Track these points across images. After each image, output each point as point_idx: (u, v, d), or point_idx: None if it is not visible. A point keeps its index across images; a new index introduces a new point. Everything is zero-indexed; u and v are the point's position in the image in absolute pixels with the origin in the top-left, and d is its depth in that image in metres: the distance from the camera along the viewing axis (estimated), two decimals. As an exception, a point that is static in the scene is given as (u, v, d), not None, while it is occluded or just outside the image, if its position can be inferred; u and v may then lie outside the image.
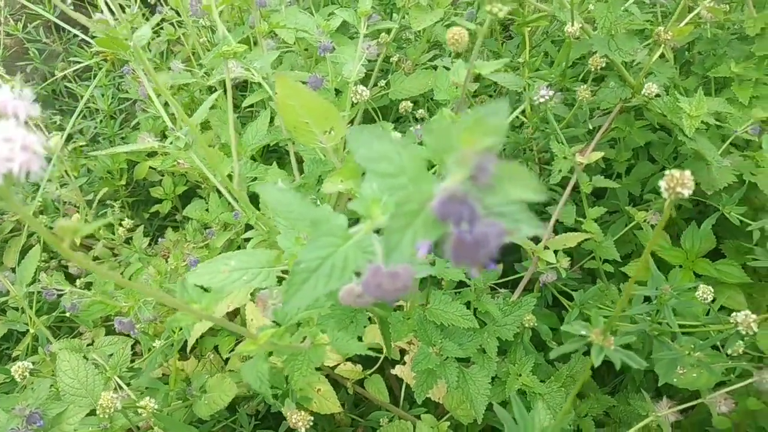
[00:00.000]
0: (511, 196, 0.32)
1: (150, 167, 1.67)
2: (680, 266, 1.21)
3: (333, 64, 1.13)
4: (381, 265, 0.43)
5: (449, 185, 0.33)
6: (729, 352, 0.95)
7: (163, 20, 1.72)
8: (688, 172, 0.55)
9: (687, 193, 0.55)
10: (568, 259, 1.12)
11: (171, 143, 1.08)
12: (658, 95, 1.05)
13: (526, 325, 1.09)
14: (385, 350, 1.06)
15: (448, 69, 1.30)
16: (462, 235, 0.35)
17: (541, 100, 1.04)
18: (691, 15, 1.12)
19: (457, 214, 0.32)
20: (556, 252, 1.14)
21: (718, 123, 1.11)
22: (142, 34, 1.09)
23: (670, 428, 0.99)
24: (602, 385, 1.39)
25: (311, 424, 0.87)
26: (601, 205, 1.23)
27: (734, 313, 0.82)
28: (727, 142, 1.14)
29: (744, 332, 0.78)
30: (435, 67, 1.42)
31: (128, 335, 1.03)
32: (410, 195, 0.34)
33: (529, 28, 1.35)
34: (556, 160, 1.08)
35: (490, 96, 1.50)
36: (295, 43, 1.32)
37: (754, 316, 0.79)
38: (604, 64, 1.04)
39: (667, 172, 0.56)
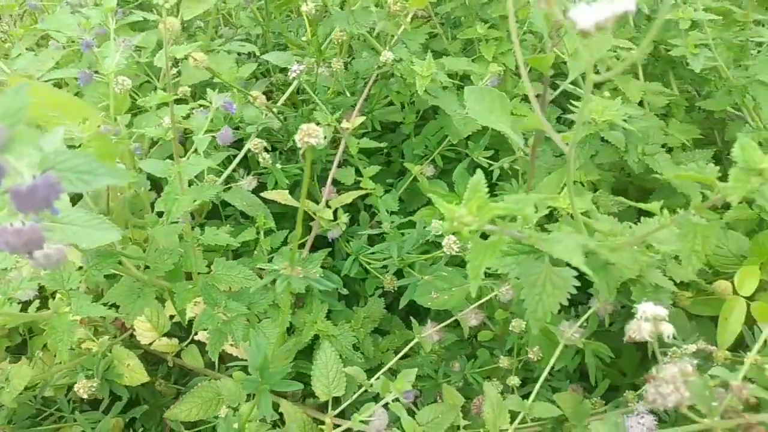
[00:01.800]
0: (23, 153, 0.42)
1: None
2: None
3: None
4: (6, 225, 0.52)
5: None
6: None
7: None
8: (314, 125, 0.68)
9: (315, 141, 0.68)
10: (346, 214, 1.25)
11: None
12: (398, 60, 1.19)
13: (314, 277, 1.21)
14: (180, 319, 1.16)
15: (229, 53, 1.39)
16: (16, 189, 0.44)
17: (293, 75, 1.15)
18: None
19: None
20: (336, 210, 1.27)
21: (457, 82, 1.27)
22: None
23: (430, 345, 1.15)
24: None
25: (93, 391, 0.95)
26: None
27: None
28: (474, 95, 1.29)
29: (448, 252, 0.94)
30: (229, 51, 1.50)
31: None
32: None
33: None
34: (321, 127, 1.20)
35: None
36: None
37: (453, 238, 0.94)
38: (344, 37, 1.17)
39: (301, 126, 0.68)
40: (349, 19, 1.15)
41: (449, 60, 1.28)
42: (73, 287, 0.85)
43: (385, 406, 0.93)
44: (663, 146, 1.37)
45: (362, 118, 1.24)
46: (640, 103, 1.42)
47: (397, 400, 0.84)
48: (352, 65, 1.26)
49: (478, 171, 0.68)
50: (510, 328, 1.06)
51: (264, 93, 1.53)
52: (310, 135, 0.67)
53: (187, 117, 1.14)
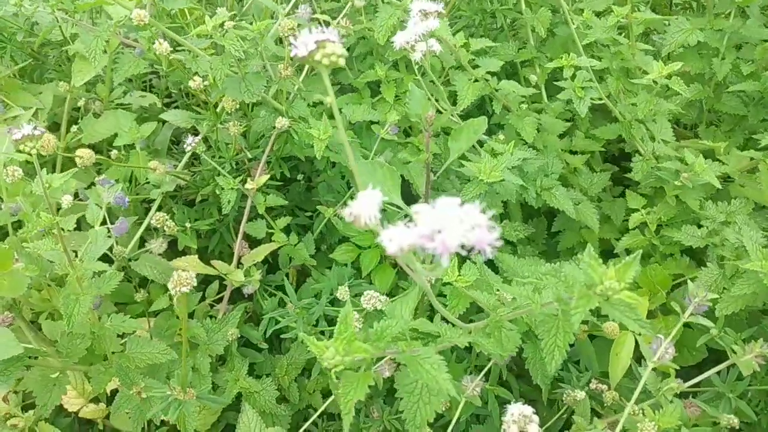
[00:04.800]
0: None
1: None
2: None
3: None
4: None
5: None
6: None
7: None
8: (185, 274, 0.70)
9: (186, 289, 0.70)
10: (260, 271, 1.28)
11: None
12: (297, 120, 1.20)
13: (231, 339, 1.24)
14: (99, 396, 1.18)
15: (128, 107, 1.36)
16: None
17: (188, 148, 1.15)
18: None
19: None
20: (250, 267, 1.30)
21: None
22: None
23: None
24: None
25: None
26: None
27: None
28: (375, 144, 1.32)
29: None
30: (128, 106, 1.47)
31: None
32: None
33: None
34: (223, 192, 1.21)
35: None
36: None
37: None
38: (237, 106, 1.16)
39: (174, 274, 0.70)
40: (241, 87, 1.14)
41: (352, 110, 1.29)
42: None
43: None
44: (567, 166, 1.44)
45: (266, 177, 1.25)
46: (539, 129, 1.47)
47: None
48: (251, 124, 1.26)
49: (348, 304, 0.71)
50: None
51: (174, 136, 1.52)
52: (182, 284, 0.69)
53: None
